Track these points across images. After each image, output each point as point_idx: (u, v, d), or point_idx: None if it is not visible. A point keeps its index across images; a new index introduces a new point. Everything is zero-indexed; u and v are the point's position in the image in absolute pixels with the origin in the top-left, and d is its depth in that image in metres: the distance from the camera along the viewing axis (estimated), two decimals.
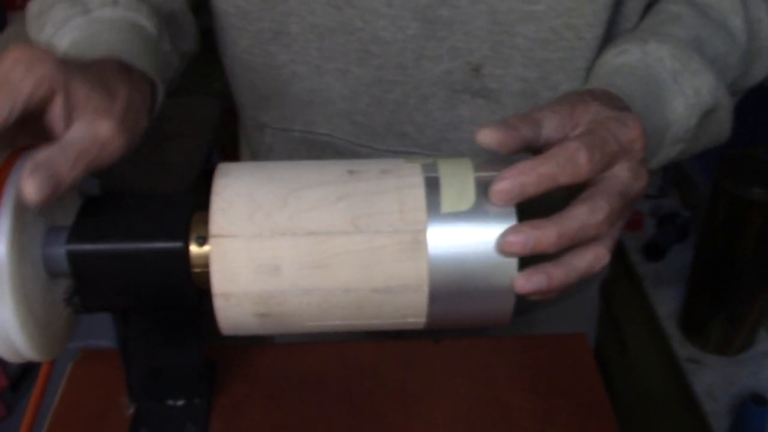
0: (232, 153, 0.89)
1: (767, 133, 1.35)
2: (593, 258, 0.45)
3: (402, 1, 0.57)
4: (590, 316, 0.84)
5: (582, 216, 0.43)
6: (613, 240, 0.46)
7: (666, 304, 1.40)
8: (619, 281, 1.56)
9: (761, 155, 1.17)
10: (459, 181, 0.45)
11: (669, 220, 1.56)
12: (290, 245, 0.43)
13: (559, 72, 0.59)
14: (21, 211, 0.43)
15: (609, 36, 0.60)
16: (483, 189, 0.44)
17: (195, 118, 2.09)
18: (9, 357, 0.45)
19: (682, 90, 0.54)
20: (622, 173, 0.45)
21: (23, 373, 1.34)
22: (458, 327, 0.48)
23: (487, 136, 0.43)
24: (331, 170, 0.46)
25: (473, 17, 0.57)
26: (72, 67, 0.44)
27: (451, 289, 0.44)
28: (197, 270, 0.46)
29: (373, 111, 0.63)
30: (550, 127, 0.46)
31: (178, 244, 0.45)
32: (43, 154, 0.42)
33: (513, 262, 0.44)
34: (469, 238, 0.43)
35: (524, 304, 0.46)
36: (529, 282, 0.44)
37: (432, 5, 0.57)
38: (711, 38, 0.58)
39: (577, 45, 0.58)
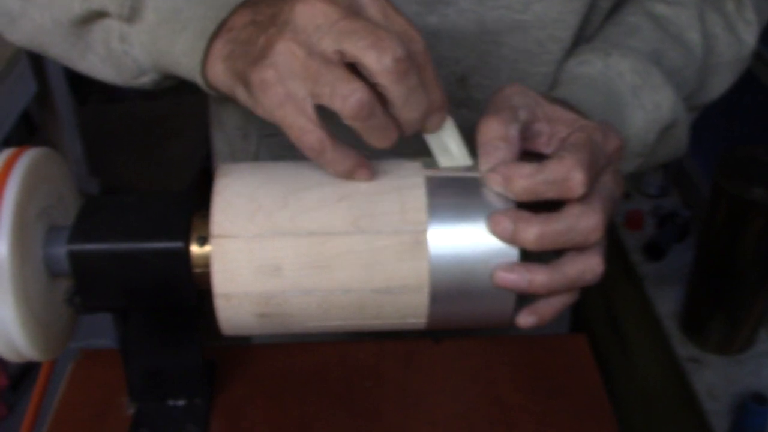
0: None
1: (767, 133, 1.35)
2: (583, 266, 0.44)
3: None
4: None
5: (571, 219, 0.43)
6: (604, 248, 0.46)
7: (666, 304, 1.40)
8: (619, 281, 1.56)
9: (761, 155, 1.17)
10: (446, 137, 0.45)
11: (669, 220, 1.56)
12: (291, 246, 0.43)
13: (543, 88, 0.59)
14: (21, 211, 0.43)
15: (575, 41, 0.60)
16: (482, 189, 0.44)
17: (195, 118, 2.09)
18: (10, 357, 0.45)
19: (641, 104, 0.54)
20: (607, 180, 0.45)
21: (24, 373, 1.34)
22: (459, 327, 0.48)
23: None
24: None
25: (461, 26, 0.56)
26: None
27: (452, 289, 0.44)
28: (198, 270, 0.46)
29: None
30: (523, 108, 0.46)
31: (178, 244, 0.45)
32: None
33: (513, 264, 0.44)
34: (469, 239, 0.43)
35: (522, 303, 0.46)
36: (508, 273, 0.43)
37: (420, 13, 0.56)
38: (669, 52, 0.58)
39: (562, 59, 0.58)
